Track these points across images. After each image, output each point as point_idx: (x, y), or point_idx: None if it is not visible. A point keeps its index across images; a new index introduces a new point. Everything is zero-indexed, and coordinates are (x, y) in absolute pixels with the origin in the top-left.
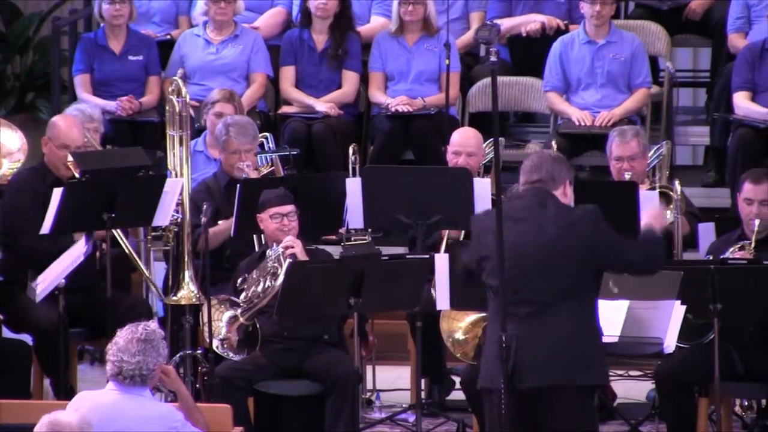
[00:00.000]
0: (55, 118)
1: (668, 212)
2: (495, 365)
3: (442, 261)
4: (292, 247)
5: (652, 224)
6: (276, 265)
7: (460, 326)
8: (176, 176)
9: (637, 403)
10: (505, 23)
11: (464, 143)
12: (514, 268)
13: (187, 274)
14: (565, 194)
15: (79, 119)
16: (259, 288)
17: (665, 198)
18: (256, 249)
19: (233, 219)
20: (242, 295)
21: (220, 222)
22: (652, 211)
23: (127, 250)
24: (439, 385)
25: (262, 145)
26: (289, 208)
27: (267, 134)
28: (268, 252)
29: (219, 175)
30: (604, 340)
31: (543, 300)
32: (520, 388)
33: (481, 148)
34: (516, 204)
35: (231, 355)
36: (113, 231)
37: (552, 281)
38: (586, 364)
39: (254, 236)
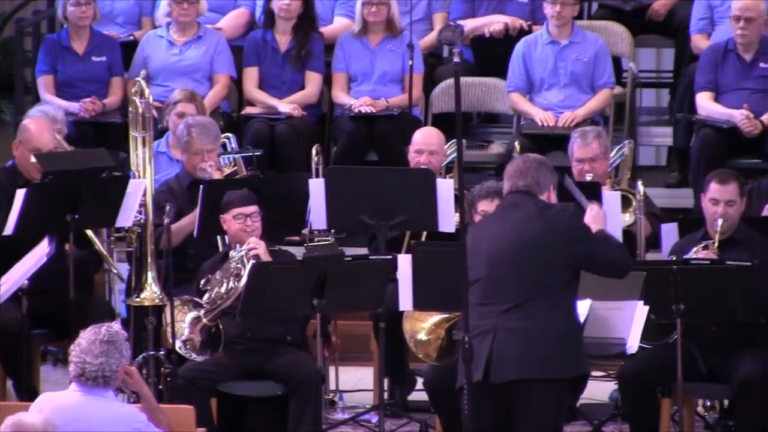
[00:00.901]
0: (26, 122)
1: (627, 215)
2: (475, 363)
3: (405, 262)
4: (256, 249)
5: (598, 227)
6: (239, 266)
7: (423, 327)
8: (139, 177)
9: (600, 404)
10: (468, 24)
11: (426, 142)
12: (494, 263)
13: (150, 275)
14: (549, 199)
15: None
16: (223, 289)
17: (625, 201)
18: (220, 250)
19: (196, 217)
20: (205, 296)
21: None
22: (593, 213)
23: (99, 249)
24: (401, 385)
25: (224, 146)
26: (253, 208)
27: (229, 135)
28: (232, 253)
29: (181, 176)
30: None
31: (521, 294)
32: (497, 382)
33: (443, 148)
34: (498, 207)
35: (193, 356)
36: (87, 231)
37: (530, 276)
38: (563, 357)
39: (218, 237)
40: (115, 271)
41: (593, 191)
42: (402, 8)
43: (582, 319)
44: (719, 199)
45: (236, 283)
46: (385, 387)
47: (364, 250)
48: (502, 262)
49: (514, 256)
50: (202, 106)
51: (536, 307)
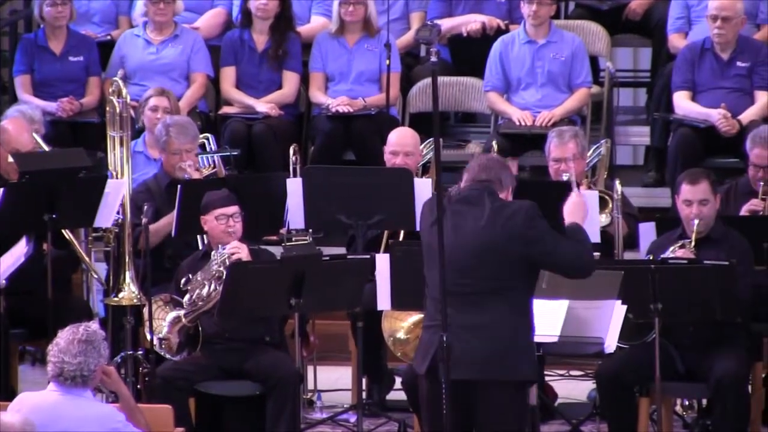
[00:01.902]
0: (4, 123)
1: (603, 216)
2: (426, 352)
3: (383, 261)
4: (238, 252)
5: (574, 219)
6: (221, 269)
7: (402, 326)
8: (117, 177)
9: (578, 403)
10: (446, 23)
11: (402, 143)
12: (450, 260)
13: (128, 275)
14: (507, 199)
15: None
16: (204, 292)
17: (602, 202)
18: (200, 248)
19: (174, 219)
20: (186, 298)
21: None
22: (571, 207)
23: (78, 252)
24: (379, 384)
25: (203, 146)
26: (234, 209)
27: (208, 135)
28: (213, 254)
29: (160, 176)
30: (545, 339)
31: (476, 293)
32: (451, 378)
33: (418, 148)
34: (455, 199)
35: (168, 355)
36: (63, 231)
37: (486, 274)
38: (515, 360)
39: (198, 237)
40: (95, 275)
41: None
42: (379, 8)
43: (561, 319)
44: (692, 200)
45: (217, 286)
46: (364, 386)
47: (342, 250)
48: (460, 260)
49: (469, 256)
50: (175, 101)
51: (492, 307)
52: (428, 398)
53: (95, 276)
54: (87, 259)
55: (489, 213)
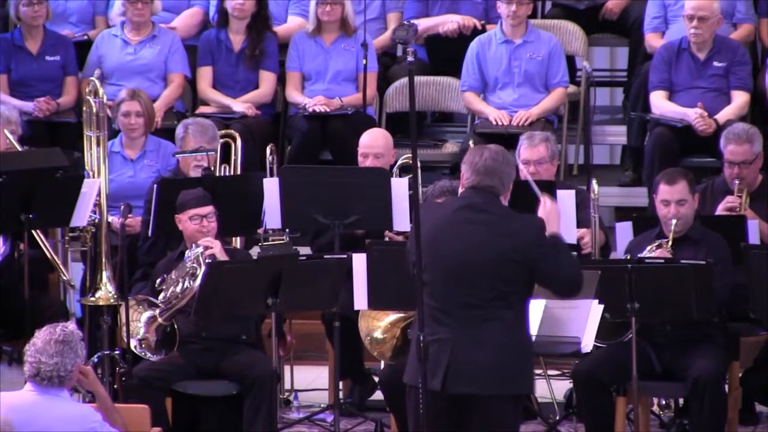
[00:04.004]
0: None
1: None
2: (432, 371)
3: (360, 261)
4: (212, 248)
5: (551, 228)
6: (195, 265)
7: (379, 326)
8: (94, 177)
9: (555, 403)
10: (422, 23)
11: (372, 145)
12: (450, 269)
13: (105, 275)
14: (506, 198)
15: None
16: (178, 288)
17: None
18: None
19: (151, 219)
20: (161, 296)
21: None
22: (547, 209)
23: (48, 254)
24: (362, 386)
25: None
26: (208, 209)
27: None
28: (187, 252)
29: (177, 174)
30: None
31: (483, 305)
32: (451, 392)
33: (389, 150)
34: (458, 203)
35: (149, 355)
36: (33, 233)
37: (490, 286)
38: (518, 373)
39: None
40: (64, 276)
41: (547, 190)
42: (356, 8)
43: (537, 318)
44: (669, 200)
45: (191, 283)
46: (341, 386)
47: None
48: (465, 271)
49: (476, 265)
50: (148, 101)
51: (497, 319)
52: (434, 414)
53: (64, 277)
54: (56, 258)
55: (498, 223)
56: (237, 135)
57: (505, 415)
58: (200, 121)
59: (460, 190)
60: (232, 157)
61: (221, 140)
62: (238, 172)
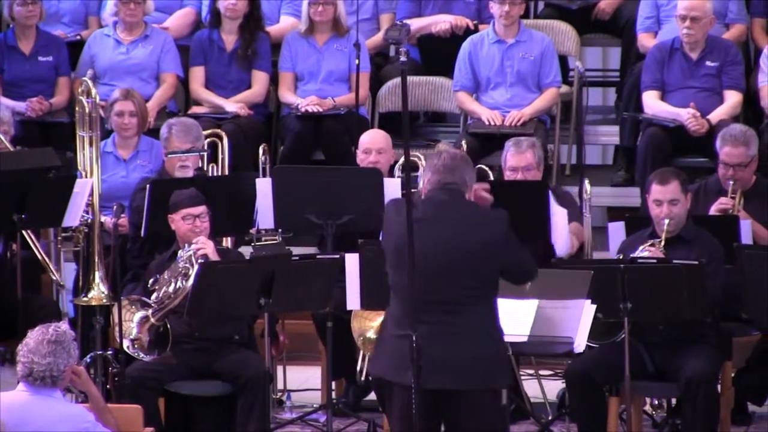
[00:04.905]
0: None
1: None
2: (391, 359)
3: (352, 261)
4: (204, 248)
5: None
6: (187, 265)
7: (372, 326)
8: (86, 177)
9: (548, 403)
10: (415, 23)
11: (374, 141)
12: (423, 267)
13: (98, 275)
14: (470, 198)
15: None
16: (171, 289)
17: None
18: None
19: (144, 219)
20: (153, 296)
21: None
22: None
23: (38, 254)
24: (355, 386)
25: None
26: (201, 209)
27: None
28: (180, 253)
29: (161, 175)
30: (514, 339)
31: (453, 300)
32: (425, 388)
33: (390, 146)
34: (425, 203)
35: (142, 355)
36: (24, 233)
37: (463, 282)
38: (496, 366)
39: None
40: (54, 277)
41: (542, 191)
42: (348, 8)
43: (530, 318)
44: (662, 200)
45: (184, 283)
46: (333, 386)
47: (312, 250)
48: (436, 267)
49: (448, 262)
50: (141, 101)
51: (469, 314)
52: (406, 407)
53: (54, 277)
54: (46, 259)
55: (469, 219)
56: (224, 134)
57: (484, 409)
58: (184, 120)
59: (422, 197)
60: (219, 156)
61: (208, 140)
62: (226, 171)
